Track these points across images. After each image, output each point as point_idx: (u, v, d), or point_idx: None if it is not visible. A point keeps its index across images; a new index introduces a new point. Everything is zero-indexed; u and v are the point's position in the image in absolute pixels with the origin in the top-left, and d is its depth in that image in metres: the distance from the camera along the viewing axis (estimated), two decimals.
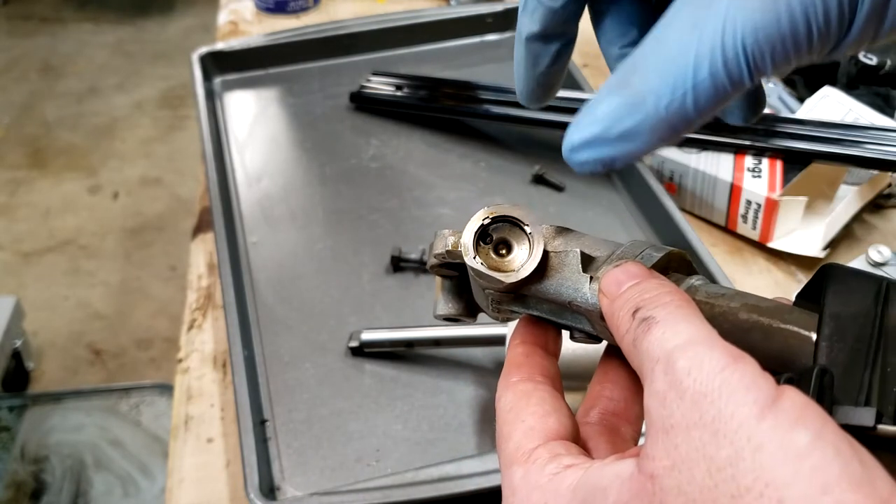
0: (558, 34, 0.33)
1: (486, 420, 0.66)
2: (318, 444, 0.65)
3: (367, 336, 0.71)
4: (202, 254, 0.85)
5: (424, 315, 0.75)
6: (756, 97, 0.33)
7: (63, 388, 1.67)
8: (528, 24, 0.33)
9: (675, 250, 0.32)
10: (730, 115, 0.33)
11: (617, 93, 0.28)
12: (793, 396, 0.22)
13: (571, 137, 0.30)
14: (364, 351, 0.71)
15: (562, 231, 0.34)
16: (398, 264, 0.79)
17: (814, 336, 0.27)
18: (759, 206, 0.78)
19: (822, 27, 0.24)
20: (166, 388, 1.44)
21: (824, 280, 0.27)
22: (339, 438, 0.65)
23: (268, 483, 0.61)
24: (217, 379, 0.72)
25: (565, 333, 0.35)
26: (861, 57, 0.94)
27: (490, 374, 0.69)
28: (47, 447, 1.38)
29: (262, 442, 0.64)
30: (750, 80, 0.25)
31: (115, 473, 1.33)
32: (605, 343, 0.34)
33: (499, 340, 0.67)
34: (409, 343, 0.70)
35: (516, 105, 0.92)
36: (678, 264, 0.32)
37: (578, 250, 0.32)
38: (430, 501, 0.57)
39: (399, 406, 0.67)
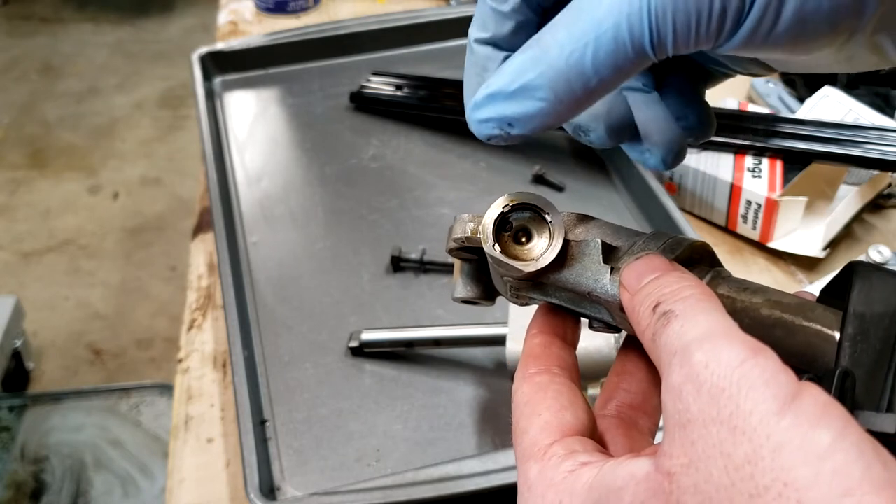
0: (508, 46, 0.31)
1: (486, 420, 0.66)
2: (318, 444, 0.65)
3: (367, 336, 0.71)
4: (202, 254, 0.85)
5: (424, 315, 0.75)
6: (680, 148, 0.32)
7: (63, 388, 1.67)
8: (476, 29, 0.32)
9: (699, 241, 0.31)
10: (650, 157, 0.33)
11: (527, 48, 0.27)
12: (814, 393, 0.21)
13: (477, 94, 0.29)
14: (364, 351, 0.71)
15: (583, 219, 0.34)
16: (398, 264, 0.79)
17: (837, 335, 0.26)
18: (759, 206, 0.78)
19: None
20: (166, 388, 1.44)
21: (850, 277, 0.27)
22: (339, 438, 0.65)
23: (268, 483, 0.61)
24: (217, 379, 0.72)
25: (584, 322, 0.34)
26: None
27: (490, 374, 0.69)
28: (47, 447, 1.38)
29: (262, 442, 0.64)
30: (651, 48, 0.25)
31: (115, 473, 1.33)
32: (621, 336, 0.34)
33: (499, 340, 0.67)
34: (409, 343, 0.70)
35: None
36: (701, 256, 0.32)
37: (599, 240, 0.31)
38: (430, 501, 0.57)
39: (399, 406, 0.67)
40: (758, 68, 0.30)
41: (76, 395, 1.48)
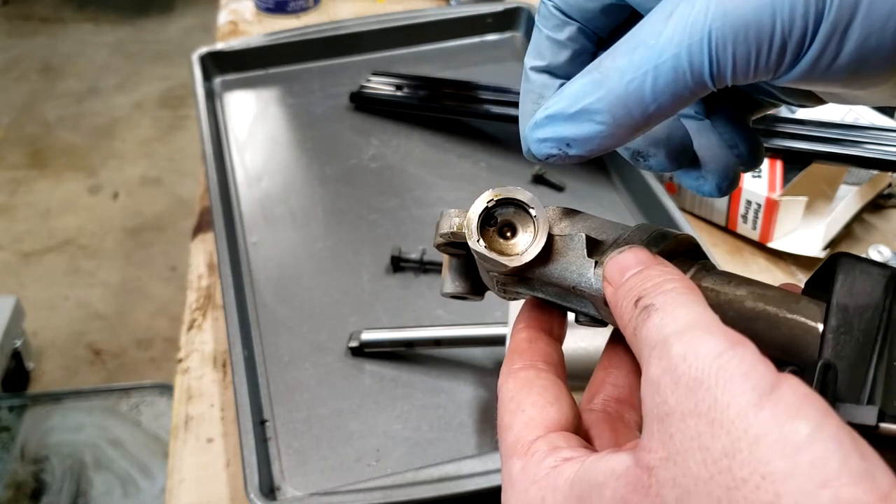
0: (563, 73, 0.32)
1: (486, 420, 0.66)
2: (318, 444, 0.65)
3: (367, 336, 0.71)
4: (202, 254, 0.85)
5: (424, 315, 0.75)
6: (734, 175, 0.33)
7: (63, 388, 1.67)
8: (532, 58, 0.33)
9: (683, 234, 0.31)
10: (705, 184, 0.33)
11: (587, 73, 0.28)
12: (793, 385, 0.21)
13: (536, 115, 0.30)
14: (364, 351, 0.71)
15: (568, 213, 0.34)
16: (398, 264, 0.79)
17: (820, 327, 0.26)
18: (759, 206, 0.78)
19: (787, 23, 0.24)
20: (166, 388, 1.44)
21: (833, 269, 0.27)
22: (339, 438, 0.65)
23: (268, 483, 0.61)
24: (217, 379, 0.72)
25: (571, 316, 0.34)
26: None
27: (490, 374, 0.69)
28: (47, 447, 1.38)
29: (262, 442, 0.64)
30: (710, 78, 0.25)
31: (115, 473, 1.33)
32: (608, 332, 0.34)
33: (499, 340, 0.67)
34: (409, 343, 0.70)
35: (516, 105, 0.92)
36: (686, 249, 0.32)
37: (584, 234, 0.31)
38: (430, 501, 0.57)
39: (399, 406, 0.67)
40: (809, 101, 0.31)
41: (76, 395, 1.48)
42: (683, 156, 0.32)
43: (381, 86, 1.01)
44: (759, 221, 0.79)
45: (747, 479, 0.20)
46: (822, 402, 0.21)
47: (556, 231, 0.32)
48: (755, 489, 0.20)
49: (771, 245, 0.79)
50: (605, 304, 0.29)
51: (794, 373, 0.23)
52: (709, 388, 0.22)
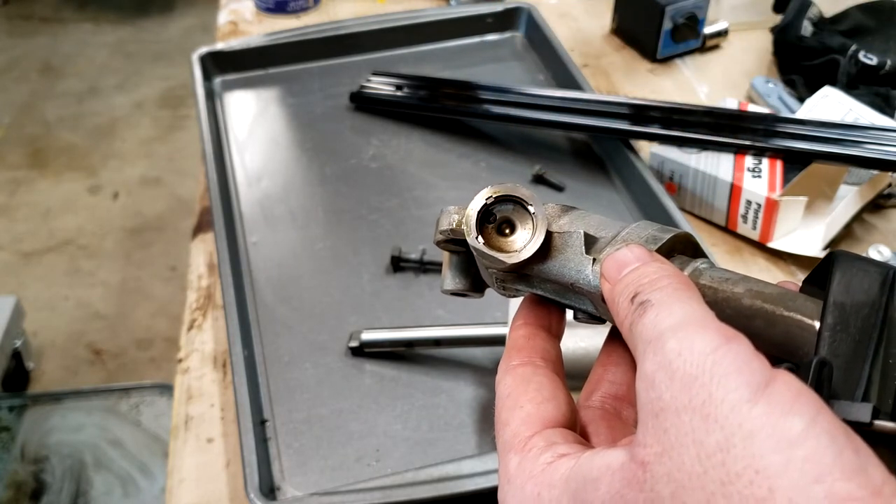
0: None
1: (486, 420, 0.66)
2: (318, 444, 0.65)
3: (367, 336, 0.71)
4: (202, 254, 0.85)
5: (424, 315, 0.75)
6: None
7: (63, 388, 1.67)
8: None
9: (682, 232, 0.31)
10: None
11: None
12: (787, 381, 0.22)
13: None
14: (364, 351, 0.71)
15: (567, 210, 0.34)
16: (398, 264, 0.79)
17: (817, 325, 0.26)
18: (759, 206, 0.78)
19: None
20: (166, 388, 1.44)
21: (830, 266, 0.27)
22: (339, 438, 0.65)
23: (268, 483, 0.61)
24: (217, 379, 0.72)
25: (569, 313, 0.34)
26: (861, 57, 0.94)
27: (490, 374, 0.69)
28: (47, 447, 1.38)
29: (262, 442, 0.64)
30: None
31: (115, 473, 1.33)
32: (607, 330, 0.34)
33: (499, 340, 0.67)
34: (409, 343, 0.70)
35: (516, 105, 0.92)
36: (684, 247, 0.32)
37: (582, 231, 0.31)
38: (430, 501, 0.57)
39: (399, 406, 0.67)
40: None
41: (76, 395, 1.48)
42: None
43: (381, 86, 1.01)
44: (759, 221, 0.79)
45: (741, 474, 0.20)
46: (816, 397, 0.21)
47: (554, 228, 0.32)
48: (749, 484, 0.20)
49: (771, 245, 0.79)
50: (603, 300, 0.29)
51: (790, 370, 0.23)
52: (703, 384, 0.22)
